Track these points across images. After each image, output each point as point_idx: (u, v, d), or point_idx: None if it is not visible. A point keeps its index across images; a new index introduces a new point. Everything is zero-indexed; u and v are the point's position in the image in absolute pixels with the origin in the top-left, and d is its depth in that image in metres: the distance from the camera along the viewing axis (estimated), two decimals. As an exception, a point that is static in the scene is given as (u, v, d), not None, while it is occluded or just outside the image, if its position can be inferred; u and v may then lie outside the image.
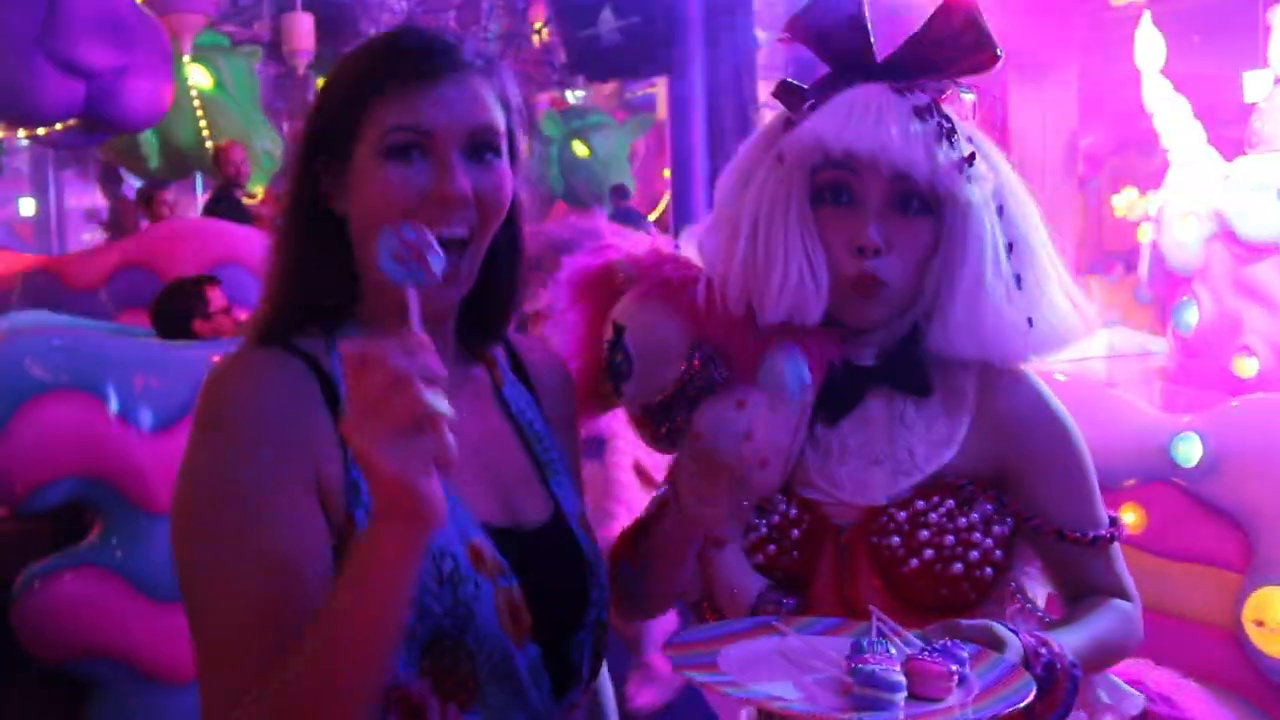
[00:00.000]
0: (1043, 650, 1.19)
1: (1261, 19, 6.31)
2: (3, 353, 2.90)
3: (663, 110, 11.54)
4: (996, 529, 1.34)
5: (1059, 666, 1.19)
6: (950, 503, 1.33)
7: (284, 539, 1.04)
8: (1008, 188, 1.39)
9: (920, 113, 1.29)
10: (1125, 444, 3.07)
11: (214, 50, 8.25)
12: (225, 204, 6.76)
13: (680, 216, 8.86)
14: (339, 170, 1.16)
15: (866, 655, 1.07)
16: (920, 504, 1.33)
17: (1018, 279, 1.35)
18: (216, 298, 4.19)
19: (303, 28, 9.11)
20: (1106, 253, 9.34)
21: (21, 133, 5.24)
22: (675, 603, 1.51)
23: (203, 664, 1.05)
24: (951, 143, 1.29)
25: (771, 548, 1.37)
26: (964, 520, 1.33)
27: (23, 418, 2.81)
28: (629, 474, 4.10)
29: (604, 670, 1.37)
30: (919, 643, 1.13)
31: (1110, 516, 1.42)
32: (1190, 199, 4.71)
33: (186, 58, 7.47)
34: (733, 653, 1.16)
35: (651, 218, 11.17)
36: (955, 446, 1.35)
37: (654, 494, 1.46)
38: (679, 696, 3.04)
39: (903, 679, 1.04)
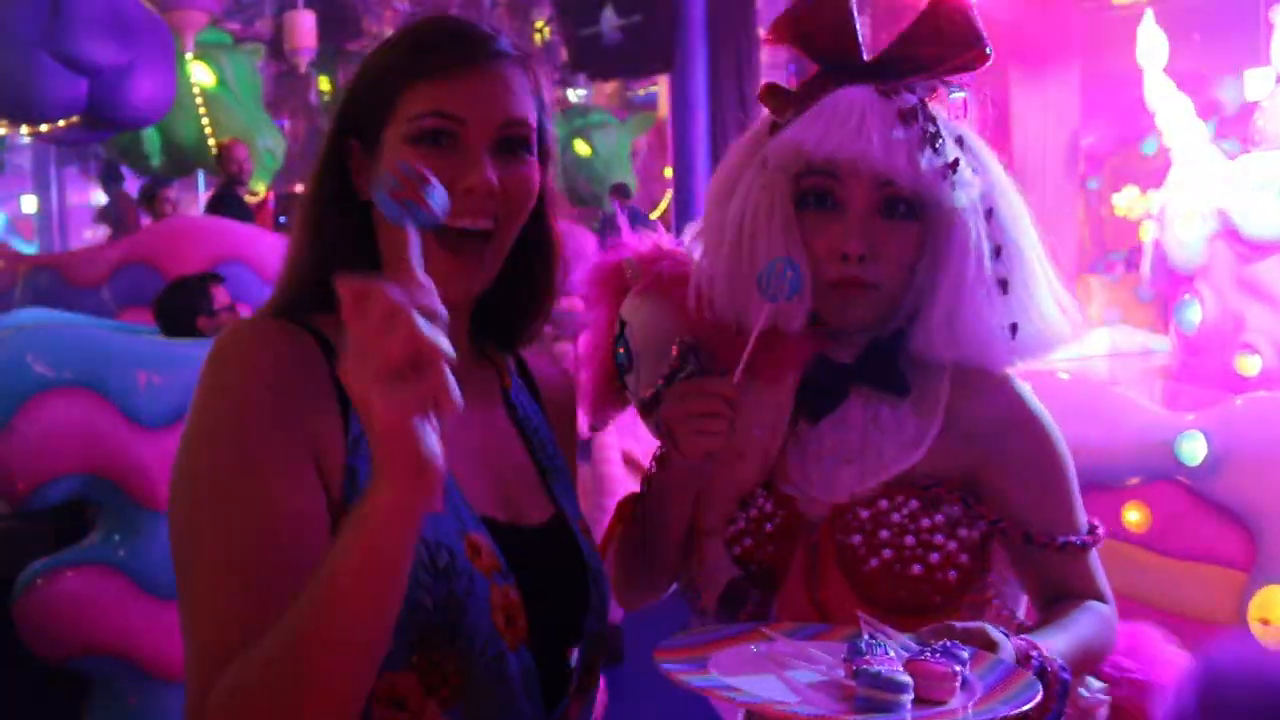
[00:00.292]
0: (1033, 654, 1.17)
1: (1264, 17, 6.31)
2: (5, 349, 2.90)
3: (664, 109, 11.54)
4: (962, 532, 1.33)
5: (1049, 670, 1.18)
6: (914, 503, 1.32)
7: (280, 501, 1.01)
8: (998, 190, 1.37)
9: (905, 117, 1.28)
10: (1129, 442, 3.07)
11: (216, 48, 8.25)
12: (228, 201, 6.76)
13: (682, 215, 8.86)
14: (368, 154, 1.15)
15: (867, 657, 1.05)
16: (884, 503, 1.32)
17: (1004, 283, 1.33)
18: (220, 295, 4.18)
19: (305, 25, 9.11)
20: (1108, 251, 9.33)
21: (24, 129, 5.24)
22: (671, 583, 1.51)
23: (189, 622, 1.01)
24: (936, 148, 1.28)
25: (748, 541, 1.38)
26: (927, 521, 1.32)
27: (26, 414, 2.81)
28: (619, 466, 4.11)
29: (602, 685, 1.37)
30: (915, 645, 1.11)
31: (1090, 523, 1.40)
32: (1193, 197, 4.71)
33: (189, 55, 7.47)
34: (724, 658, 1.14)
35: (654, 216, 11.17)
36: (923, 448, 1.33)
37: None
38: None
39: (909, 679, 1.02)
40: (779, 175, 1.33)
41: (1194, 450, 2.82)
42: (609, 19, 9.56)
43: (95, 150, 8.49)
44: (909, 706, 1.02)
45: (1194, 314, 4.29)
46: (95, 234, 9.35)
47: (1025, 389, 1.39)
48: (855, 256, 1.29)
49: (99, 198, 9.50)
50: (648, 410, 1.42)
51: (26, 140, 8.07)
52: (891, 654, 1.07)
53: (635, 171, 12.60)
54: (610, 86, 13.74)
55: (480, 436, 1.22)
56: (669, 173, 10.74)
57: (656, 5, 9.24)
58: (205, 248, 5.45)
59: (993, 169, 1.38)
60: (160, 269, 5.24)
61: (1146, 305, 5.78)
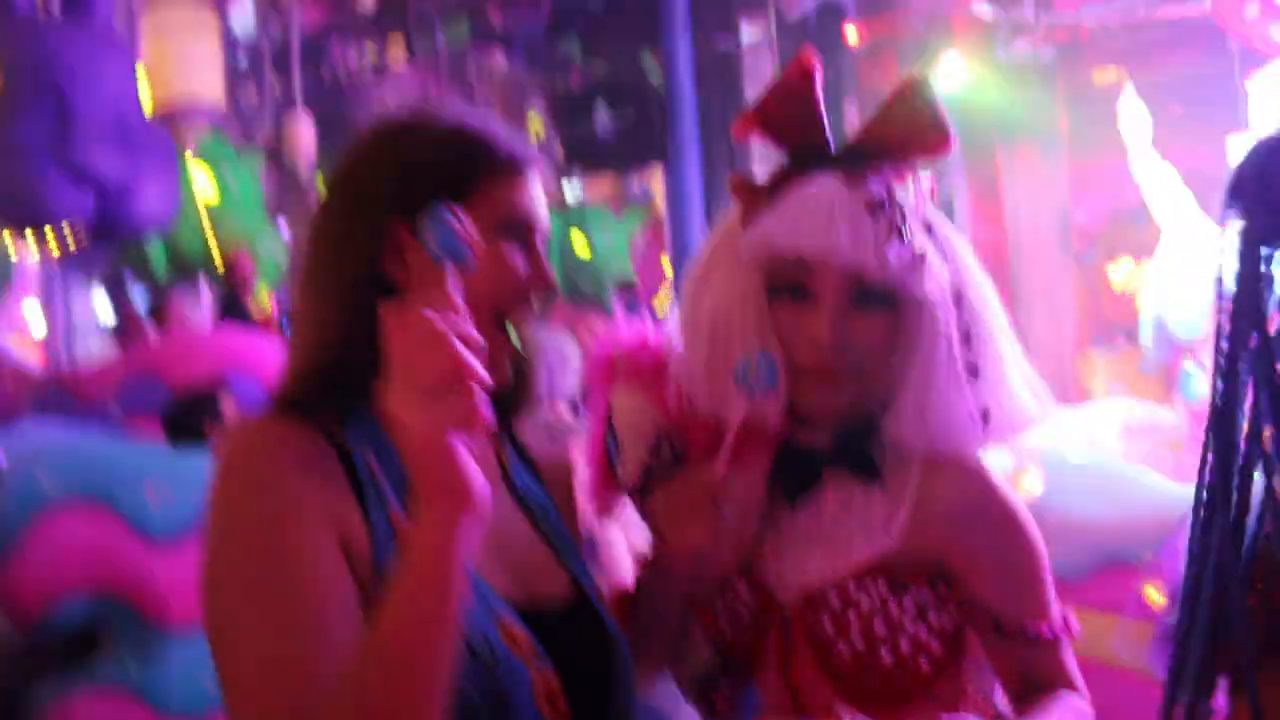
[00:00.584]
0: None
1: (1240, 86, 6.44)
2: (14, 466, 2.90)
3: (660, 201, 11.68)
4: (933, 618, 1.33)
5: None
6: (883, 589, 1.32)
7: (317, 585, 1.02)
8: (967, 276, 1.39)
9: (873, 209, 1.30)
10: (1146, 519, 3.05)
11: (218, 156, 8.37)
12: (232, 311, 6.81)
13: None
14: (411, 247, 1.14)
15: None
16: (853, 588, 1.32)
17: (974, 369, 1.34)
18: (227, 404, 4.19)
19: (305, 132, 9.27)
20: (1107, 325, 9.36)
21: (32, 247, 5.31)
22: (666, 666, 1.50)
23: (237, 715, 1.02)
24: (904, 238, 1.30)
25: (725, 627, 1.38)
26: (895, 607, 1.32)
27: (34, 533, 2.79)
28: (624, 558, 4.08)
29: None
30: None
31: (1062, 615, 1.38)
32: (1186, 266, 4.75)
33: (191, 164, 7.58)
34: None
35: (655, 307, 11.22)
36: (891, 534, 1.34)
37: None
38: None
39: None
40: (751, 268, 1.35)
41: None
42: (602, 115, 9.73)
43: (102, 263, 8.57)
44: None
45: (1199, 384, 4.30)
46: (102, 347, 9.39)
47: (991, 474, 1.39)
48: (829, 346, 1.30)
49: (105, 312, 9.56)
50: (633, 498, 1.44)
51: (33, 254, 8.16)
52: None
53: (635, 265, 12.69)
54: (605, 183, 13.92)
55: (489, 519, 1.22)
56: (667, 264, 10.84)
57: (648, 100, 9.42)
58: (211, 358, 5.46)
59: (961, 254, 1.40)
60: (167, 380, 5.25)
61: (1151, 378, 5.79)
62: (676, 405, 1.40)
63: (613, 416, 1.47)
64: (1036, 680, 1.36)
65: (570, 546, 1.32)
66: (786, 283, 1.33)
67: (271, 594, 1.01)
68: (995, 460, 1.44)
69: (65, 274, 13.92)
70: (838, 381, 1.33)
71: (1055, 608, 1.38)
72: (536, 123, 12.79)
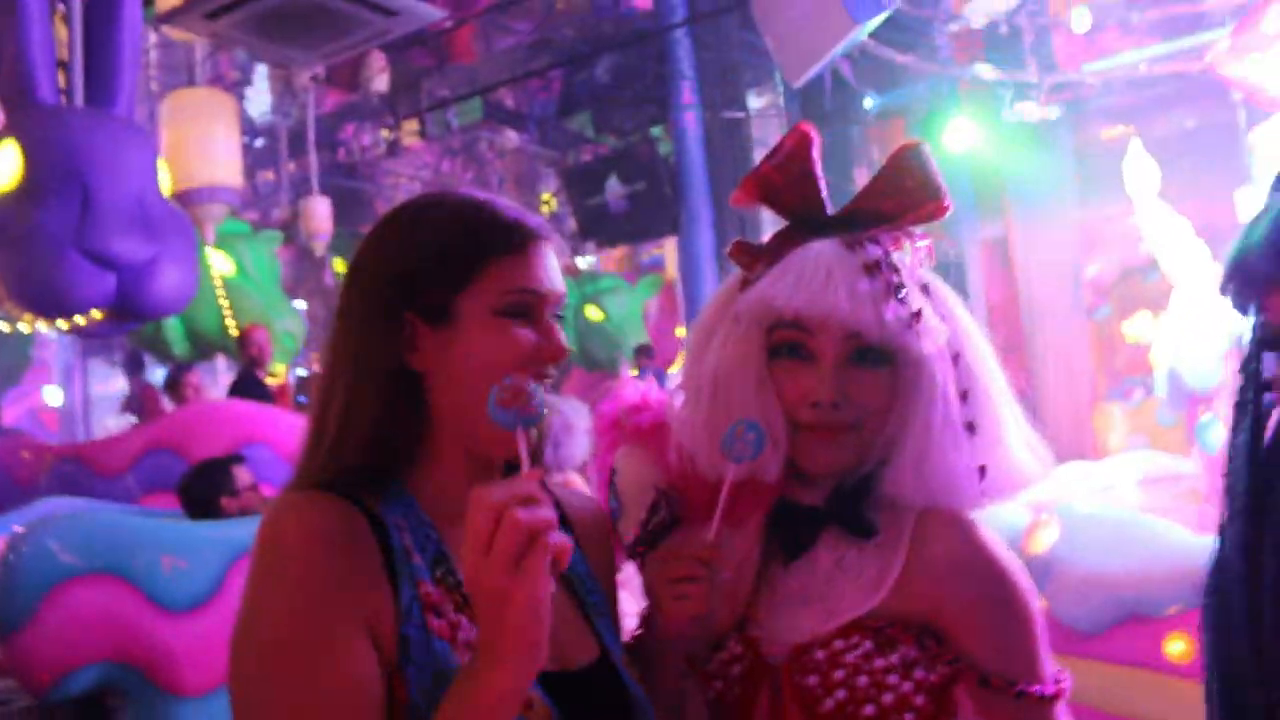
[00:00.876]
0: None
1: (1243, 140, 6.49)
2: (30, 539, 2.92)
3: (672, 269, 11.77)
4: (919, 674, 1.31)
5: None
6: (868, 644, 1.31)
7: (338, 674, 1.05)
8: (964, 335, 1.39)
9: (870, 269, 1.31)
10: (1165, 572, 3.02)
11: (235, 237, 8.50)
12: (248, 385, 6.87)
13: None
14: (435, 325, 1.20)
15: None
16: (839, 644, 1.32)
17: (972, 426, 1.34)
18: (242, 476, 4.21)
19: (321, 211, 9.40)
20: (1123, 379, 9.33)
21: (59, 323, 5.36)
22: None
23: None
24: (901, 298, 1.31)
25: (719, 684, 1.37)
26: (881, 662, 1.30)
27: (50, 604, 2.80)
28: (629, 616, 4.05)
29: None
30: None
31: (1055, 675, 1.36)
32: (1200, 318, 4.75)
33: (210, 246, 7.69)
34: None
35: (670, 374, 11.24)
36: (883, 591, 1.33)
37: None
38: None
39: None
40: (752, 328, 1.36)
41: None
42: (613, 188, 9.86)
43: (119, 341, 8.68)
44: None
45: (1216, 434, 4.27)
46: (119, 423, 9.46)
47: (982, 530, 1.37)
48: (828, 404, 1.31)
49: (122, 387, 9.66)
50: (632, 558, 1.44)
51: (53, 335, 8.27)
52: None
53: (649, 332, 12.77)
54: (618, 251, 14.05)
55: None
56: (681, 332, 10.89)
57: (659, 171, 9.54)
58: (227, 431, 5.51)
59: (958, 314, 1.40)
60: (183, 454, 5.29)
61: (1169, 430, 5.76)
62: (677, 465, 1.41)
63: (615, 477, 1.48)
64: None
65: (600, 607, 1.33)
66: (786, 342, 1.35)
67: (289, 686, 1.05)
68: (1012, 515, 1.43)
69: (83, 351, 14.12)
70: (838, 440, 1.33)
71: (1048, 666, 1.35)
72: (550, 197, 12.96)
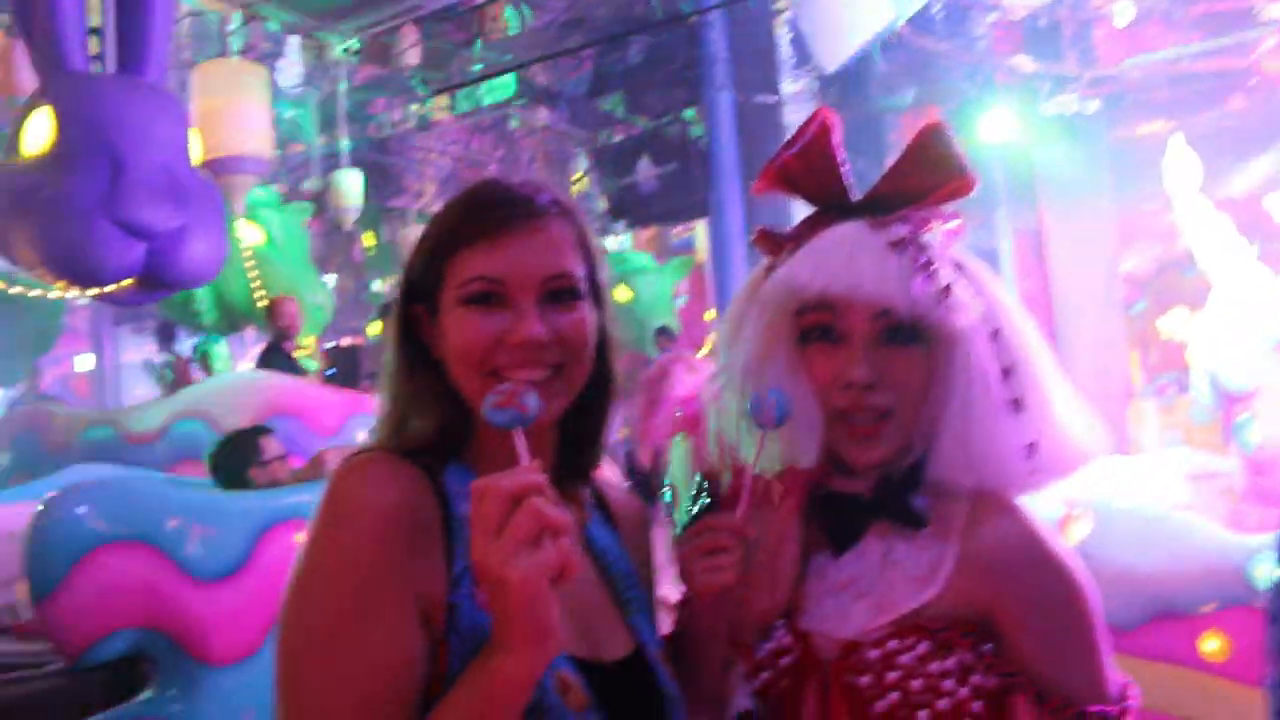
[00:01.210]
0: None
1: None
2: (61, 505, 2.92)
3: (703, 252, 11.73)
4: (976, 679, 1.25)
5: None
6: (925, 645, 1.26)
7: (384, 652, 1.06)
8: (1003, 311, 1.35)
9: (896, 246, 1.28)
10: (1200, 569, 2.99)
11: (265, 208, 8.52)
12: (276, 356, 6.89)
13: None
14: (432, 319, 1.23)
15: None
16: (893, 644, 1.28)
17: (1017, 403, 1.30)
18: (270, 446, 4.23)
19: (350, 184, 9.42)
20: (1159, 374, 9.25)
21: (86, 291, 5.38)
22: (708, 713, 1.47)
23: None
24: (929, 273, 1.27)
25: (766, 674, 1.35)
26: (936, 666, 1.25)
27: (81, 570, 2.81)
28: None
29: None
30: None
31: (1121, 686, 1.28)
32: (1239, 317, 4.68)
33: (239, 216, 7.71)
34: None
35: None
36: (937, 585, 1.29)
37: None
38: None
39: None
40: (780, 314, 1.34)
41: (1268, 573, 2.73)
42: (645, 168, 9.82)
43: (150, 309, 8.72)
44: None
45: (1253, 433, 4.22)
46: (149, 390, 9.53)
47: (1038, 524, 1.31)
48: (861, 384, 1.28)
49: (152, 355, 9.73)
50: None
51: (83, 301, 8.31)
52: None
53: (678, 314, 12.74)
54: (649, 232, 14.01)
55: None
56: (711, 315, 10.86)
57: (690, 153, 9.49)
58: (256, 402, 5.54)
59: (996, 291, 1.37)
60: (212, 423, 5.32)
61: (1205, 427, 5.69)
62: (718, 451, 1.39)
63: (668, 467, 1.48)
64: None
65: (637, 604, 1.33)
66: (815, 325, 1.32)
67: (334, 654, 1.06)
68: (1045, 508, 1.38)
69: (114, 319, 14.22)
70: (876, 438, 1.31)
71: (1112, 680, 1.28)
72: (581, 177, 12.93)
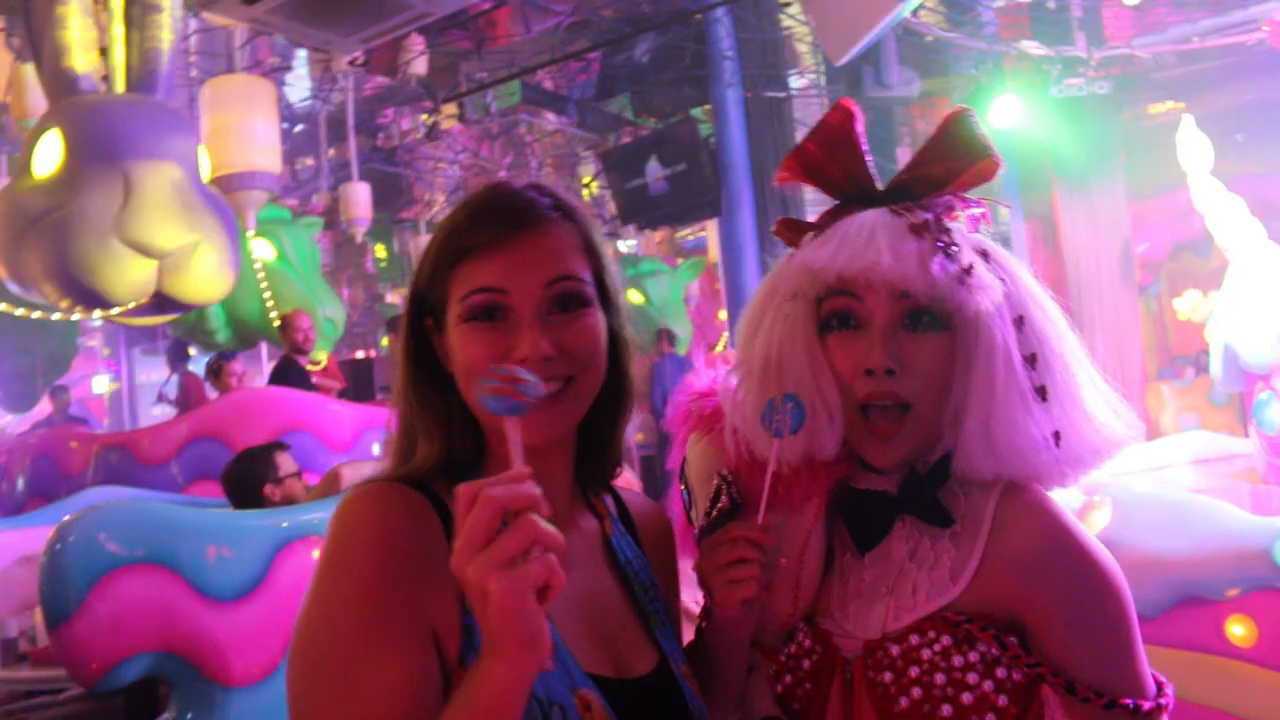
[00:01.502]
0: None
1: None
2: (77, 529, 2.92)
3: (714, 252, 11.71)
4: (1001, 672, 1.21)
5: None
6: (946, 640, 1.23)
7: (395, 677, 1.05)
8: (1029, 298, 1.31)
9: (916, 230, 1.26)
10: (1223, 553, 2.95)
11: (276, 223, 8.54)
12: (290, 371, 6.89)
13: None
14: (440, 333, 1.21)
15: None
16: (914, 639, 1.24)
17: (1042, 391, 1.26)
18: (286, 463, 4.22)
19: (360, 197, 9.44)
20: (1174, 357, 9.19)
21: (97, 313, 5.40)
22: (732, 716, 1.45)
23: None
24: (950, 255, 1.24)
25: (788, 677, 1.32)
26: (959, 659, 1.21)
27: (98, 594, 2.80)
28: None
29: None
30: None
31: (1158, 682, 1.24)
32: (1256, 295, 4.64)
33: (251, 232, 7.74)
34: None
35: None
36: (961, 584, 1.25)
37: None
38: None
39: None
40: (800, 303, 1.32)
41: (1295, 555, 2.69)
42: (654, 170, 9.80)
43: (163, 329, 8.76)
44: None
45: (1274, 413, 4.17)
46: (164, 411, 9.57)
47: (1069, 518, 1.27)
48: (881, 370, 1.25)
49: (166, 376, 9.77)
50: (698, 543, 1.40)
51: (98, 323, 8.36)
52: None
53: (690, 316, 12.72)
54: (660, 234, 14.00)
55: (585, 590, 1.23)
56: (724, 315, 10.84)
57: (699, 153, 9.46)
58: (270, 419, 5.55)
59: (1021, 277, 1.33)
60: (227, 442, 5.33)
61: (1223, 409, 5.64)
62: (734, 450, 1.36)
63: (685, 466, 1.45)
64: None
65: (661, 616, 1.31)
66: (836, 312, 1.29)
67: (340, 684, 1.04)
68: (1062, 496, 1.35)
69: (129, 340, 14.31)
70: (897, 436, 1.28)
71: (1146, 676, 1.24)
72: (590, 180, 12.92)
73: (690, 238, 15.00)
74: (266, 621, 2.96)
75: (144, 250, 5.07)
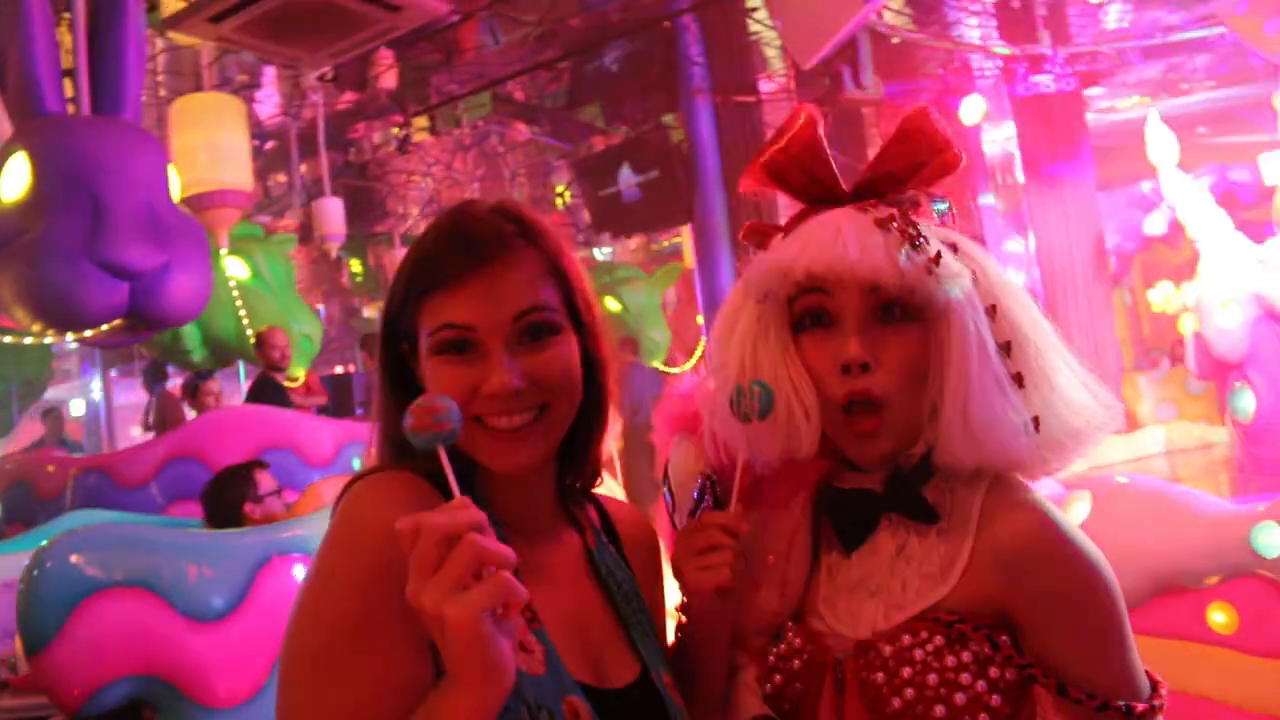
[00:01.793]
0: None
1: (1268, 104, 6.40)
2: (53, 554, 2.90)
3: (689, 258, 11.72)
4: (993, 672, 1.22)
5: None
6: (939, 640, 1.23)
7: (383, 681, 1.05)
8: (1000, 287, 1.32)
9: (882, 223, 1.26)
10: (1202, 541, 2.97)
11: (249, 241, 8.49)
12: (268, 389, 6.86)
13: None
14: (414, 357, 1.22)
15: None
16: (907, 639, 1.24)
17: (1019, 378, 1.26)
18: (265, 481, 4.20)
19: (333, 212, 9.40)
20: (1150, 349, 9.26)
21: (70, 335, 5.35)
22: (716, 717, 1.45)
23: None
24: (916, 246, 1.25)
25: (778, 677, 1.33)
26: (952, 659, 1.22)
27: (78, 619, 2.78)
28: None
29: None
30: None
31: (1153, 682, 1.25)
32: (1227, 285, 4.69)
33: (224, 250, 7.70)
34: None
35: (689, 365, 11.23)
36: (950, 581, 1.25)
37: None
38: None
39: None
40: (771, 304, 1.33)
41: (1271, 541, 2.72)
42: (626, 177, 9.80)
43: (138, 350, 8.71)
44: None
45: (1247, 402, 4.21)
46: (141, 433, 9.50)
47: (1058, 515, 1.27)
48: (856, 365, 1.25)
49: (143, 397, 9.69)
50: None
51: (73, 346, 8.29)
52: None
53: (667, 322, 12.71)
54: (634, 241, 14.00)
55: (569, 602, 1.25)
56: (701, 319, 10.83)
57: (672, 159, 9.47)
58: (248, 437, 5.52)
59: (991, 267, 1.34)
60: (206, 461, 5.30)
61: (1199, 398, 5.68)
62: (713, 452, 1.37)
63: (668, 468, 1.46)
64: None
65: (644, 626, 1.32)
66: (808, 311, 1.30)
67: (329, 679, 1.05)
68: (1042, 487, 1.35)
69: (104, 362, 14.20)
70: (875, 435, 1.28)
71: (1139, 676, 1.24)
72: (564, 189, 12.92)
73: (667, 244, 15.00)
74: (249, 641, 2.94)
75: (115, 271, 5.03)
